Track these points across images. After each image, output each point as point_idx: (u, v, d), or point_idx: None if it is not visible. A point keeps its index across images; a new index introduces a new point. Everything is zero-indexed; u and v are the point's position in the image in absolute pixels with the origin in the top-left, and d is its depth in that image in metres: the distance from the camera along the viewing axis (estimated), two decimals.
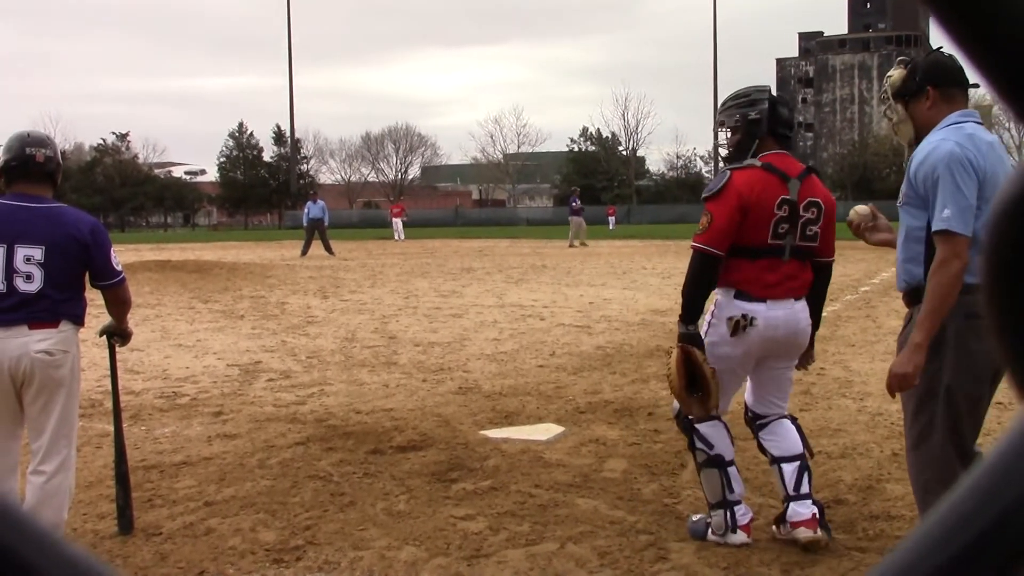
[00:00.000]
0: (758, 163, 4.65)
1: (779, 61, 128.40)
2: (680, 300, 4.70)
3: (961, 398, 3.81)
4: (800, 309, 4.74)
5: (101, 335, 5.25)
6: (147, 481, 5.94)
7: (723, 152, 4.96)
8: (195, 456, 6.55)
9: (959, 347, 3.76)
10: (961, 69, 4.01)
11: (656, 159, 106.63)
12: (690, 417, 4.78)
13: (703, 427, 4.76)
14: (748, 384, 4.95)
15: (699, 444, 4.75)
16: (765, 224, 4.58)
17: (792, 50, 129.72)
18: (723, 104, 4.92)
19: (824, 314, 5.23)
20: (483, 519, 5.16)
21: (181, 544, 4.89)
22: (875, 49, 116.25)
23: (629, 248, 34.02)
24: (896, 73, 4.10)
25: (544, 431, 7.09)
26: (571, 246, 35.91)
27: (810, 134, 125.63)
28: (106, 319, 5.16)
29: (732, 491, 4.73)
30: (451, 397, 8.44)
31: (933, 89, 3.96)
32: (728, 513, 4.71)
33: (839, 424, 7.11)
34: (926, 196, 3.81)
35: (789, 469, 4.74)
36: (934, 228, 3.75)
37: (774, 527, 4.85)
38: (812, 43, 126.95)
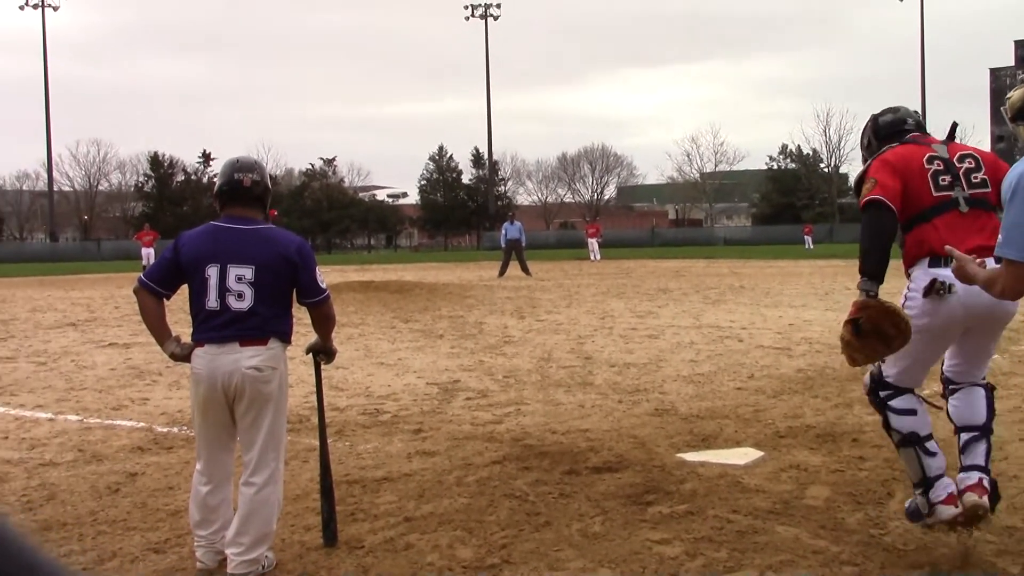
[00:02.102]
0: (895, 144, 4.78)
1: (993, 71, 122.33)
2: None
3: None
4: None
5: (307, 353, 5.44)
6: (350, 495, 6.11)
7: None
8: (396, 472, 6.71)
9: None
10: None
11: None
12: (880, 394, 4.64)
13: (896, 403, 4.61)
14: (948, 352, 4.75)
15: (894, 423, 4.59)
16: (922, 183, 4.55)
17: (1008, 59, 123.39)
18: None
19: None
20: (679, 543, 5.07)
21: (382, 558, 5.01)
22: None
23: (831, 268, 32.99)
24: (1017, 94, 3.82)
25: (742, 455, 6.92)
26: None
27: None
28: (312, 338, 5.36)
29: (931, 466, 4.58)
30: (647, 419, 8.36)
31: None
32: (929, 490, 4.59)
33: None
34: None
35: (965, 437, 4.69)
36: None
37: None
38: None
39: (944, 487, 4.57)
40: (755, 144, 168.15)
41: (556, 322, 16.77)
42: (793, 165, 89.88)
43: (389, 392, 10.01)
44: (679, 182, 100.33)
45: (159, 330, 5.00)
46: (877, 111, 5.05)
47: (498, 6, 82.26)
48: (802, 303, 19.43)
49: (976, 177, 4.61)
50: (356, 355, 12.71)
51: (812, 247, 56.42)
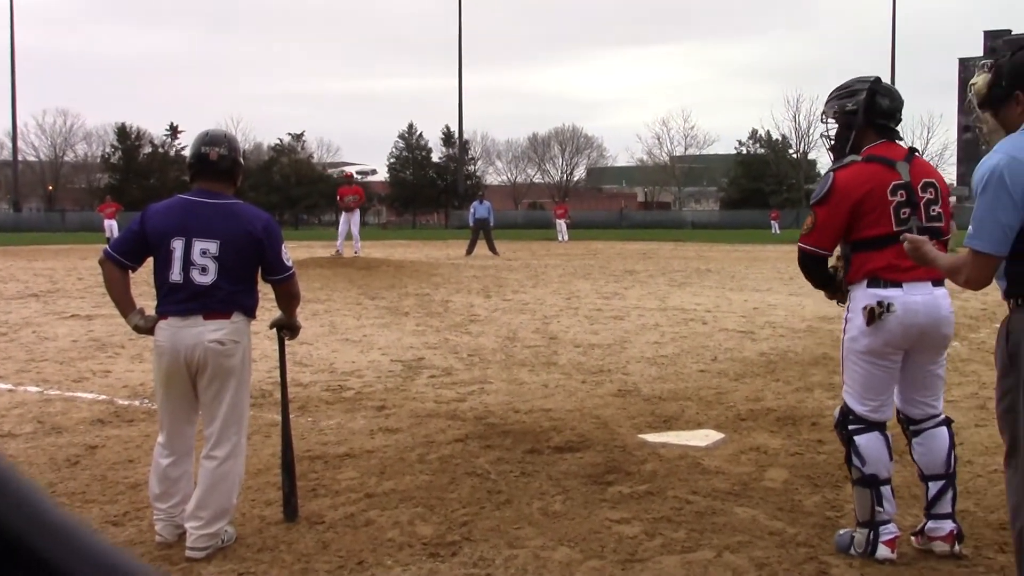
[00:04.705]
0: (859, 157, 4.65)
1: (962, 61, 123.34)
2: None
3: None
4: (941, 296, 4.58)
5: (272, 328, 5.43)
6: (312, 471, 6.11)
7: (826, 144, 4.95)
8: (358, 448, 6.71)
9: None
10: None
11: (827, 162, 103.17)
12: (849, 427, 4.68)
13: (862, 439, 4.63)
14: (897, 385, 4.77)
15: (855, 460, 4.64)
16: (883, 214, 4.54)
17: (977, 49, 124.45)
18: (829, 95, 4.89)
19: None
20: (639, 523, 5.12)
21: (342, 533, 5.02)
22: None
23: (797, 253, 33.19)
24: (980, 79, 3.77)
25: (703, 437, 6.98)
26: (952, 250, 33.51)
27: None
28: (277, 313, 5.34)
29: (882, 511, 4.62)
30: (610, 399, 8.40)
31: (1022, 93, 3.62)
32: (872, 533, 4.62)
33: None
34: None
35: (933, 488, 4.73)
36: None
37: (912, 537, 4.81)
38: (998, 42, 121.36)
39: (890, 531, 4.61)
40: (725, 128, 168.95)
41: (522, 302, 16.80)
42: (762, 150, 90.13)
43: (353, 368, 10.00)
44: (649, 165, 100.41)
45: (123, 302, 4.98)
46: (874, 79, 4.78)
47: None
48: (767, 287, 19.56)
49: (934, 210, 4.61)
50: (321, 331, 12.67)
51: (779, 232, 56.74)
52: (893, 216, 4.54)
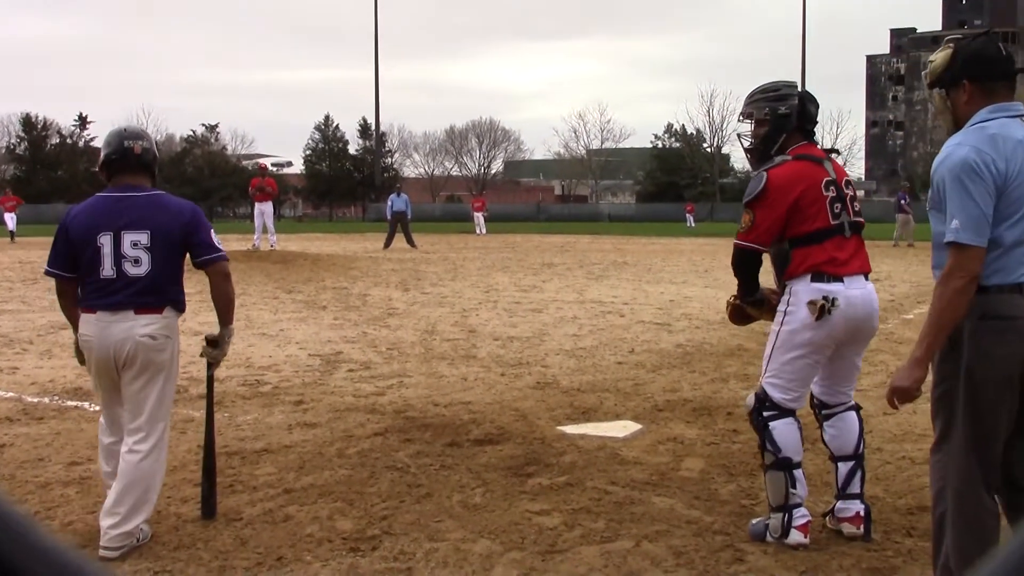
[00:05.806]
0: (789, 156, 4.77)
1: (869, 58, 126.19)
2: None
3: (981, 401, 3.60)
4: (872, 290, 4.78)
5: (202, 356, 5.23)
6: (229, 467, 6.04)
7: (745, 143, 5.04)
8: (276, 444, 6.65)
9: (975, 348, 3.58)
10: (1007, 58, 3.73)
11: (740, 156, 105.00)
12: (764, 414, 4.76)
13: (778, 424, 4.71)
14: (819, 374, 4.89)
15: (769, 446, 4.72)
16: (820, 208, 4.66)
17: (883, 47, 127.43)
18: (751, 96, 4.96)
19: (910, 317, 5.15)
20: (558, 515, 5.15)
21: (260, 530, 4.97)
22: None
23: (711, 246, 33.68)
24: (939, 58, 3.78)
25: (621, 428, 7.06)
26: (895, 245, 32.18)
27: (900, 132, 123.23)
28: (201, 317, 5.23)
29: (795, 494, 4.72)
30: (529, 392, 8.44)
31: (969, 83, 3.67)
32: (786, 516, 4.71)
33: (923, 429, 6.94)
34: (944, 201, 3.63)
35: (843, 469, 4.90)
36: (944, 239, 3.61)
37: (824, 518, 4.96)
38: (904, 40, 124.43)
39: (803, 515, 4.72)
40: (641, 122, 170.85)
41: (440, 295, 16.77)
42: (677, 144, 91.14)
43: (270, 363, 9.89)
44: (565, 158, 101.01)
45: (73, 315, 4.95)
46: (793, 83, 4.95)
47: None
48: (683, 280, 19.81)
49: (856, 205, 4.82)
50: (237, 325, 12.37)
51: (693, 225, 57.47)
52: (829, 211, 4.67)
